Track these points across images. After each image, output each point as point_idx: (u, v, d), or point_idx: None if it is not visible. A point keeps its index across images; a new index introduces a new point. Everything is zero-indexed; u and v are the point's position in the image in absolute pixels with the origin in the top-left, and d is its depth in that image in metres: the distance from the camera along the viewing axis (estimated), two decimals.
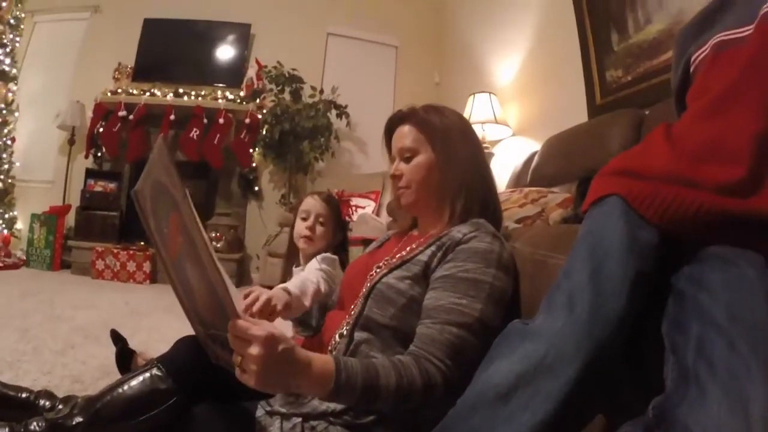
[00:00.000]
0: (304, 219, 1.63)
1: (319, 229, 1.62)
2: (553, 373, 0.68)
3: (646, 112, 2.23)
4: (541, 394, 0.68)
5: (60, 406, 1.02)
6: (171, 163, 0.73)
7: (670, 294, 0.74)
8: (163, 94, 4.91)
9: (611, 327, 0.69)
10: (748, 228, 0.74)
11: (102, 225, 4.68)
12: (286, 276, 1.77)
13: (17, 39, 4.92)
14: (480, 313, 0.91)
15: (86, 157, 4.95)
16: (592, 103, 2.96)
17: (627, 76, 2.69)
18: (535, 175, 2.75)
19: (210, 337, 0.81)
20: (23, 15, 4.96)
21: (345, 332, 1.01)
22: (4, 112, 4.74)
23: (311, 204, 1.65)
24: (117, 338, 1.64)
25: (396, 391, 0.80)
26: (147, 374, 1.00)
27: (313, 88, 4.95)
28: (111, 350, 1.57)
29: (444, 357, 0.86)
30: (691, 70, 1.02)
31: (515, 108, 3.91)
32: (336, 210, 1.68)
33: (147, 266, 4.30)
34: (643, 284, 0.73)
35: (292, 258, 1.76)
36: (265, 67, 4.95)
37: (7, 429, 0.97)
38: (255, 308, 0.95)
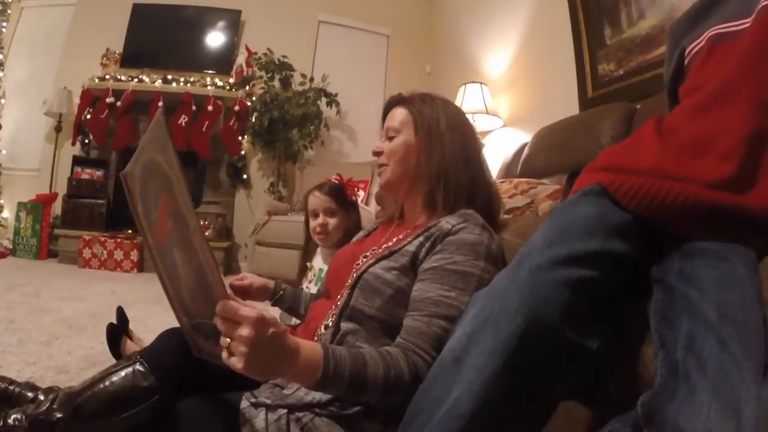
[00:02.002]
0: (315, 217, 1.76)
1: (330, 222, 1.74)
2: (497, 327, 0.68)
3: (638, 106, 2.23)
4: (485, 353, 0.68)
5: (41, 398, 1.01)
6: (169, 140, 0.69)
7: (659, 288, 0.73)
8: (151, 81, 4.84)
9: (559, 289, 0.68)
10: (736, 223, 0.74)
11: (89, 213, 4.61)
12: (302, 273, 1.87)
13: (4, 25, 4.84)
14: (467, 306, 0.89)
15: (73, 144, 4.86)
16: (583, 96, 2.96)
17: (619, 69, 2.70)
18: (526, 166, 2.74)
19: (194, 327, 0.78)
20: (10, 0, 4.86)
21: (331, 323, 1.00)
22: None
23: (315, 202, 1.76)
24: (120, 316, 1.64)
25: (384, 383, 0.80)
26: (129, 369, 0.98)
27: (303, 76, 4.89)
28: (97, 341, 1.55)
29: (431, 350, 0.86)
30: (686, 62, 1.01)
31: (507, 99, 3.90)
32: (339, 196, 1.76)
33: (134, 255, 4.26)
34: (612, 262, 0.73)
35: (308, 254, 1.90)
36: (255, 53, 4.89)
37: None
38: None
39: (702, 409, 0.55)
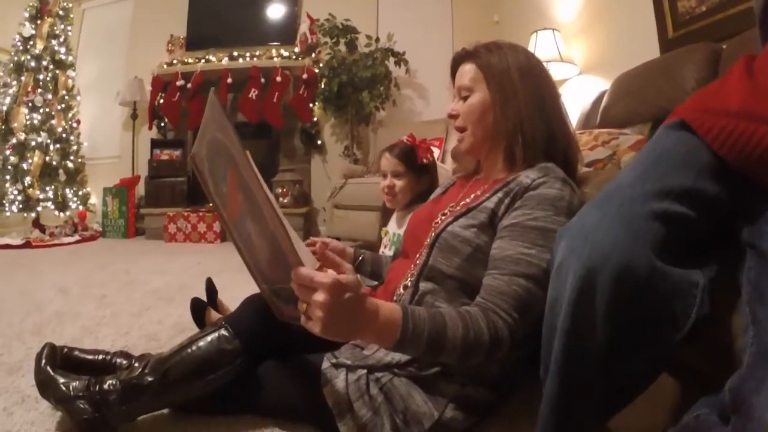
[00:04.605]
0: (384, 178, 1.78)
1: (398, 183, 1.74)
2: (590, 266, 0.66)
3: (723, 46, 2.03)
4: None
5: (135, 364, 1.05)
6: (225, 118, 0.72)
7: (752, 255, 0.65)
8: (218, 60, 4.91)
9: (655, 223, 0.66)
10: None
11: (171, 191, 4.80)
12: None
13: (69, 28, 5.00)
14: (549, 265, 0.83)
15: (150, 128, 5.05)
16: (663, 37, 2.71)
17: (701, 6, 2.42)
18: (605, 115, 2.57)
19: (274, 292, 0.82)
20: (70, 5, 5.04)
21: (410, 283, 1.00)
22: (67, 98, 4.86)
23: (384, 163, 1.77)
24: (209, 287, 1.76)
25: (462, 344, 0.79)
26: (215, 334, 1.04)
27: (369, 37, 4.77)
28: (185, 309, 1.66)
29: (511, 310, 0.83)
30: None
31: (581, 44, 3.62)
32: (409, 159, 1.74)
33: (217, 226, 4.37)
34: (705, 202, 0.69)
35: (386, 218, 1.99)
36: (317, 20, 4.82)
37: (86, 383, 1.01)
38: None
39: None
